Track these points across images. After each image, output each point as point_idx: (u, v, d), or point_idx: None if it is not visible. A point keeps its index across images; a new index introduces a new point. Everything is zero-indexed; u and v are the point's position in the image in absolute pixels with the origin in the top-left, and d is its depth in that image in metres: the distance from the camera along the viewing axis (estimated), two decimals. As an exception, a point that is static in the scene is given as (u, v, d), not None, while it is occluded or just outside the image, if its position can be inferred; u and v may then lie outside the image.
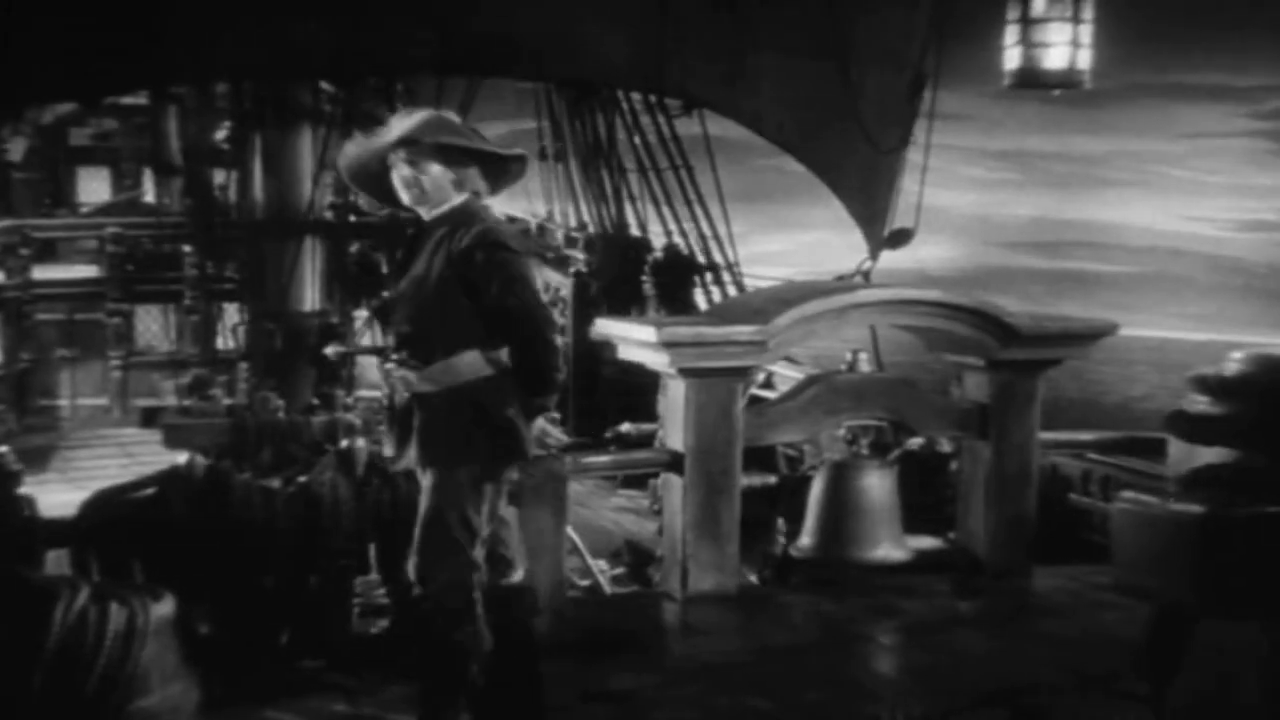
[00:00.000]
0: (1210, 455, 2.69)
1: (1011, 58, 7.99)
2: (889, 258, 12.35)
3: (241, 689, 4.46)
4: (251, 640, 4.92)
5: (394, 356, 4.12)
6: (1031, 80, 8.02)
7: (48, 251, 16.18)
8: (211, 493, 4.89)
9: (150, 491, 4.91)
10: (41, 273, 15.42)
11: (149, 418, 14.29)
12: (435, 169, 4.11)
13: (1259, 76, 55.31)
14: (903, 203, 12.18)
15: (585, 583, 8.09)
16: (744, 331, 5.71)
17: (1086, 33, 7.86)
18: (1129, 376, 32.07)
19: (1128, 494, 2.73)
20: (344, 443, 5.26)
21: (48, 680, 2.97)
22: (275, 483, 5.18)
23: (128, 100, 18.50)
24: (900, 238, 12.42)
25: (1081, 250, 64.87)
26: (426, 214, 4.17)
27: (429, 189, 4.12)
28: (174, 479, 4.90)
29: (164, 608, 3.19)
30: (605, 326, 6.19)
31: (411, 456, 4.13)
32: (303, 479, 5.15)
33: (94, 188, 20.79)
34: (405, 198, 4.18)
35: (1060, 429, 6.71)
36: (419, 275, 4.13)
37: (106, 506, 4.84)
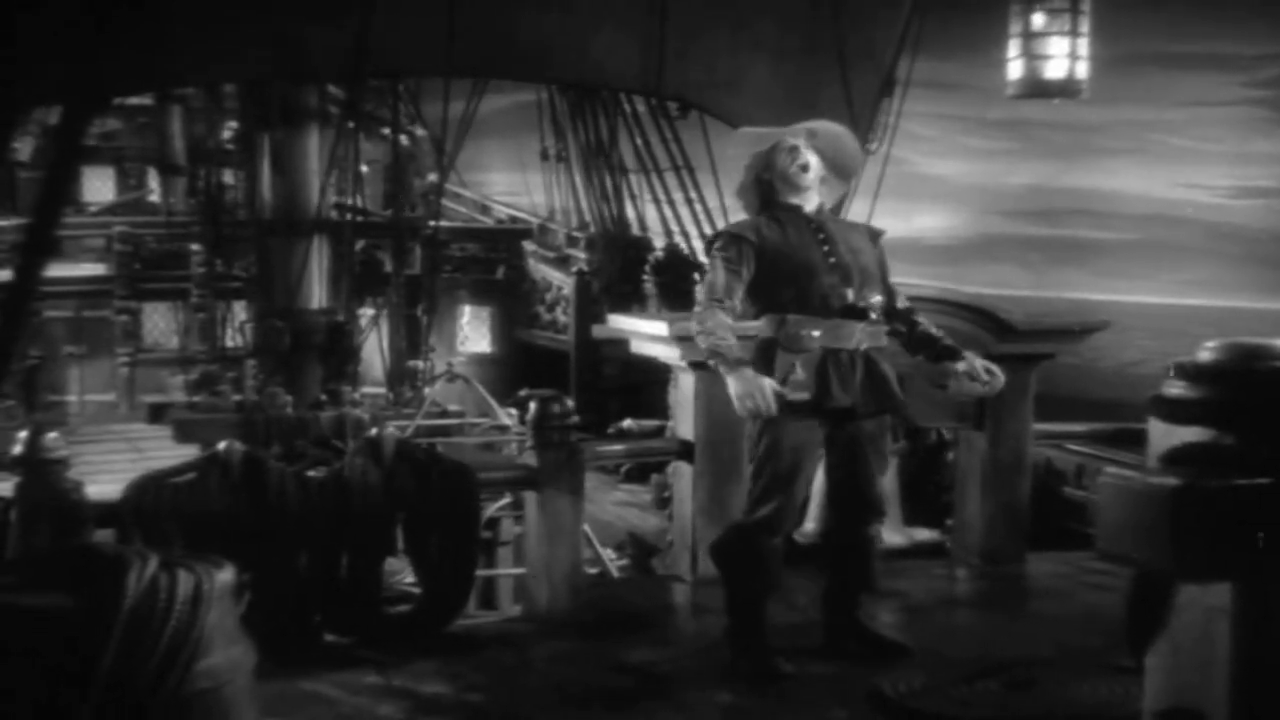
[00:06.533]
0: (1187, 434, 2.97)
1: (1014, 69, 8.35)
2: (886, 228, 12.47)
3: (276, 664, 4.70)
4: (285, 618, 5.17)
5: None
6: (1033, 90, 8.37)
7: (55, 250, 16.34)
8: (248, 478, 5.14)
9: (190, 476, 5.15)
10: (49, 270, 15.56)
11: (156, 414, 14.48)
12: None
13: (1256, 45, 54.89)
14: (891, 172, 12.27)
15: (594, 570, 8.38)
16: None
17: (1083, 45, 8.20)
18: (1125, 342, 32.11)
19: (1111, 469, 3.00)
20: (373, 431, 5.49)
21: (123, 641, 3.23)
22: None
23: (132, 101, 18.68)
24: None
25: (1080, 218, 64.20)
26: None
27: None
28: (213, 465, 5.14)
29: (226, 575, 3.45)
30: (617, 322, 6.43)
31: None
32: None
33: (98, 187, 20.92)
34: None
35: (1056, 394, 6.93)
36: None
37: (149, 490, 5.07)
